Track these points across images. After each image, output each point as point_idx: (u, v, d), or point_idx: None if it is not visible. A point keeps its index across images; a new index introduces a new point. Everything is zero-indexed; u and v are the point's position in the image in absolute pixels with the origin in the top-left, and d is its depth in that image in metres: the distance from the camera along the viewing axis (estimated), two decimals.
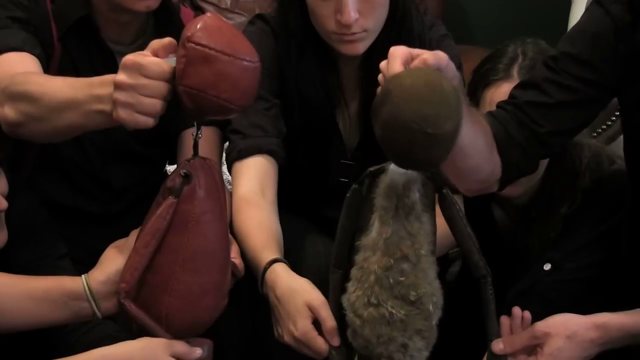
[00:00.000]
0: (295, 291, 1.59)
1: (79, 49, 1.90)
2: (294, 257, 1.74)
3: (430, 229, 1.45)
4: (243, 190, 1.82)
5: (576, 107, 1.71)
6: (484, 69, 2.04)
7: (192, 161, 1.42)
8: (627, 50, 1.69)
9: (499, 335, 1.61)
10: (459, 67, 1.99)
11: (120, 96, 1.37)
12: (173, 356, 1.45)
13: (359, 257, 1.46)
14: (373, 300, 1.42)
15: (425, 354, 1.47)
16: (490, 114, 1.75)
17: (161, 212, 1.40)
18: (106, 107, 1.42)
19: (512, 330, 1.67)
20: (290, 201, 1.96)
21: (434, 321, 1.45)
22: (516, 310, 1.68)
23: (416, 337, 1.44)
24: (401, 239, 1.41)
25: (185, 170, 1.40)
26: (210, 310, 1.48)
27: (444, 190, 1.49)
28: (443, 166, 1.61)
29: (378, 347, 1.44)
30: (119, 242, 1.57)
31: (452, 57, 1.94)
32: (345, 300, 1.47)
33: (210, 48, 1.31)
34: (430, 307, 1.43)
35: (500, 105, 1.76)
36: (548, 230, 1.95)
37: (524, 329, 1.66)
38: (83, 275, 1.54)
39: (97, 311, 1.53)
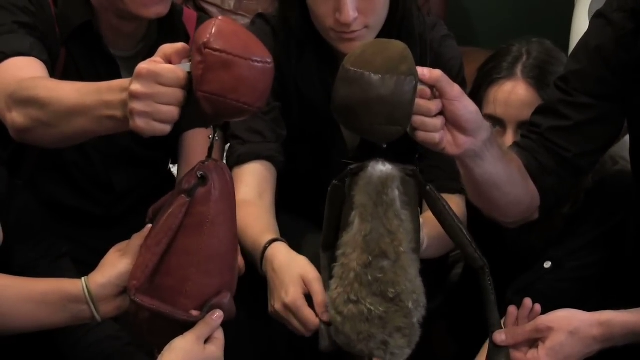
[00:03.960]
0: (292, 262, 1.63)
1: (82, 54, 1.91)
2: None
3: (412, 226, 1.45)
4: (241, 196, 1.83)
5: (596, 123, 1.73)
6: (488, 67, 2.04)
7: (206, 163, 1.42)
8: (630, 57, 1.69)
9: (500, 326, 1.60)
10: (461, 67, 1.99)
11: (137, 106, 1.36)
12: (205, 340, 1.43)
13: (340, 254, 1.46)
14: (352, 297, 1.43)
15: (407, 351, 1.46)
16: (516, 144, 1.78)
17: (173, 210, 1.40)
18: (116, 112, 1.42)
19: (517, 321, 1.67)
20: (291, 201, 1.98)
21: (415, 319, 1.45)
22: (527, 300, 1.67)
23: (396, 334, 1.43)
24: (380, 236, 1.42)
25: (201, 172, 1.40)
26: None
27: (428, 187, 1.49)
28: (485, 205, 1.68)
29: (358, 344, 1.44)
30: (121, 246, 1.55)
31: (454, 58, 1.98)
32: (328, 297, 1.48)
33: (227, 53, 1.31)
34: (410, 305, 1.42)
35: (524, 135, 1.79)
36: (550, 229, 1.94)
37: (529, 321, 1.65)
38: (83, 278, 1.53)
39: (96, 314, 1.52)
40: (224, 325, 1.47)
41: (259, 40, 1.38)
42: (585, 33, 1.78)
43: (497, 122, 1.98)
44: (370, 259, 1.42)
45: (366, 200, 1.42)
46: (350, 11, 1.77)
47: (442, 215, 1.52)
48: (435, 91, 1.44)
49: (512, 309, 1.66)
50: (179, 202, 1.40)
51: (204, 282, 1.42)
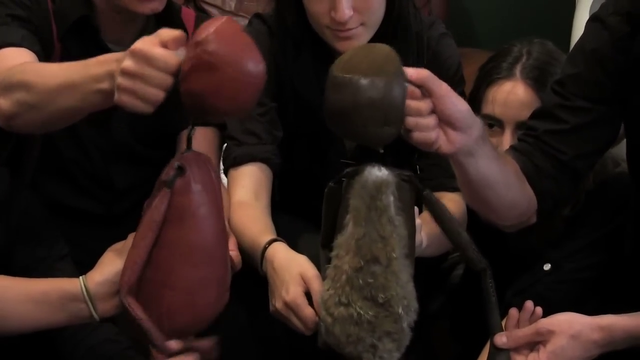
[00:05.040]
0: (292, 261, 1.64)
1: (79, 49, 1.89)
2: None
3: (405, 232, 1.45)
4: (237, 197, 1.86)
5: (593, 127, 1.73)
6: (488, 67, 2.05)
7: (185, 154, 1.42)
8: (626, 60, 1.69)
9: (501, 329, 1.61)
10: (459, 65, 1.99)
11: (125, 82, 1.36)
12: None
13: (334, 256, 1.46)
14: (343, 299, 1.43)
15: (396, 355, 1.47)
16: (513, 148, 1.78)
17: (156, 203, 1.40)
18: (105, 85, 1.42)
19: (518, 323, 1.67)
20: (290, 201, 1.99)
21: (405, 324, 1.45)
22: (528, 303, 1.67)
23: (386, 339, 1.44)
24: (373, 241, 1.42)
25: (178, 163, 1.40)
26: (211, 305, 1.48)
27: (425, 192, 1.49)
28: (481, 207, 1.68)
29: (347, 346, 1.45)
30: (118, 245, 1.55)
31: (451, 56, 1.98)
32: (320, 297, 1.49)
33: (218, 57, 1.31)
34: (400, 310, 1.43)
35: (521, 138, 1.79)
36: (550, 230, 1.95)
37: (530, 324, 1.66)
38: (81, 277, 1.53)
39: (94, 313, 1.52)
40: (224, 323, 1.49)
41: (257, 51, 1.36)
42: (581, 37, 1.78)
43: (495, 122, 1.99)
44: (362, 263, 1.42)
45: (360, 205, 1.42)
46: (345, 9, 1.78)
47: (441, 219, 1.52)
48: (425, 91, 1.44)
49: (513, 312, 1.67)
50: (160, 194, 1.40)
51: (188, 275, 1.42)
